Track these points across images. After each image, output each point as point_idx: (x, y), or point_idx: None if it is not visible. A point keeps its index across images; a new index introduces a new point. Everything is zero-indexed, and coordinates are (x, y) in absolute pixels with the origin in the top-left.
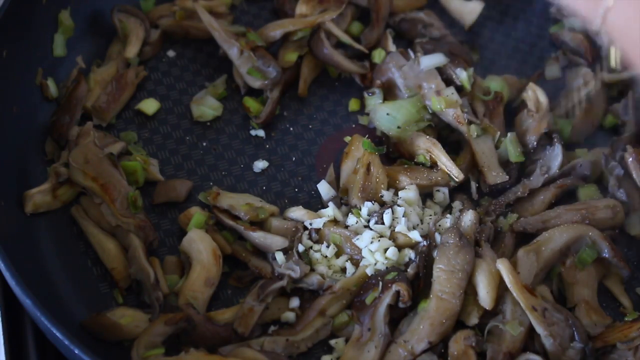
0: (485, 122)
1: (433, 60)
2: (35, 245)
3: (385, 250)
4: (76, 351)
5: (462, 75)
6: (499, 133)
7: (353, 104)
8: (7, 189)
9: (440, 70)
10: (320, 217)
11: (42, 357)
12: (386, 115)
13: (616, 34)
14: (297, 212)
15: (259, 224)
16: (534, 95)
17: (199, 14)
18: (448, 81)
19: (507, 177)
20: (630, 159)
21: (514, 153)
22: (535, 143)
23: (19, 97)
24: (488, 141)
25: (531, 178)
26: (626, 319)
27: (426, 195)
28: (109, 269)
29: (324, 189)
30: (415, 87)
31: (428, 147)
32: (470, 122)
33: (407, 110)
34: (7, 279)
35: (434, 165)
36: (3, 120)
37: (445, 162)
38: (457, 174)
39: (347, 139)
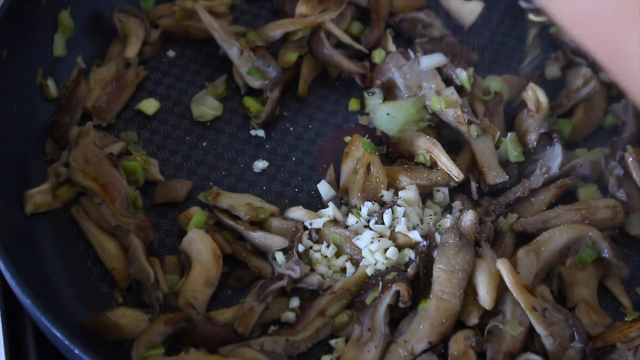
0: (485, 122)
1: (433, 60)
2: (35, 245)
3: (385, 250)
4: (76, 351)
5: (462, 75)
6: (499, 133)
7: (353, 104)
8: (7, 189)
9: (440, 70)
10: (320, 217)
11: (42, 357)
12: (386, 115)
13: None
14: (297, 212)
15: (259, 224)
16: (534, 95)
17: (199, 14)
18: (448, 81)
19: (507, 177)
20: (630, 159)
21: (514, 153)
22: (535, 143)
23: (19, 97)
24: (488, 141)
25: (531, 178)
26: (626, 319)
27: (426, 195)
28: (109, 269)
29: (324, 189)
30: (415, 87)
31: (428, 147)
32: (470, 122)
33: (407, 110)
34: (7, 279)
35: (434, 165)
36: (3, 120)
37: (445, 162)
38: (457, 174)
39: (347, 139)
